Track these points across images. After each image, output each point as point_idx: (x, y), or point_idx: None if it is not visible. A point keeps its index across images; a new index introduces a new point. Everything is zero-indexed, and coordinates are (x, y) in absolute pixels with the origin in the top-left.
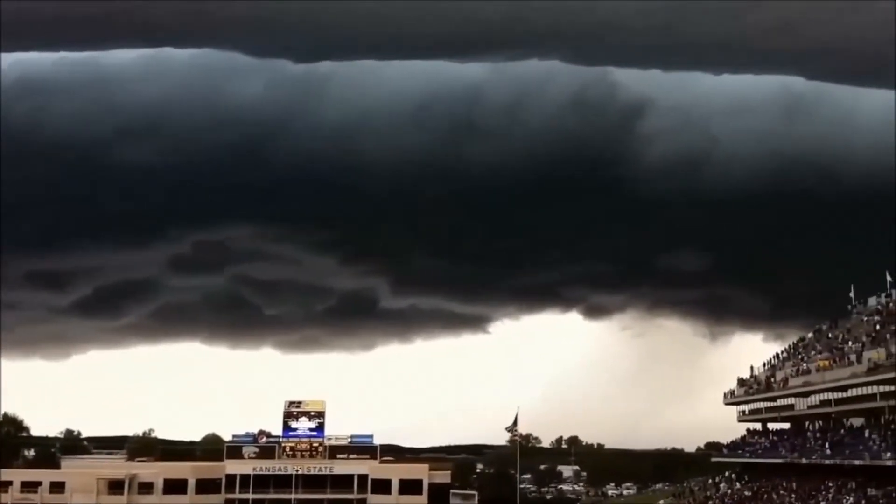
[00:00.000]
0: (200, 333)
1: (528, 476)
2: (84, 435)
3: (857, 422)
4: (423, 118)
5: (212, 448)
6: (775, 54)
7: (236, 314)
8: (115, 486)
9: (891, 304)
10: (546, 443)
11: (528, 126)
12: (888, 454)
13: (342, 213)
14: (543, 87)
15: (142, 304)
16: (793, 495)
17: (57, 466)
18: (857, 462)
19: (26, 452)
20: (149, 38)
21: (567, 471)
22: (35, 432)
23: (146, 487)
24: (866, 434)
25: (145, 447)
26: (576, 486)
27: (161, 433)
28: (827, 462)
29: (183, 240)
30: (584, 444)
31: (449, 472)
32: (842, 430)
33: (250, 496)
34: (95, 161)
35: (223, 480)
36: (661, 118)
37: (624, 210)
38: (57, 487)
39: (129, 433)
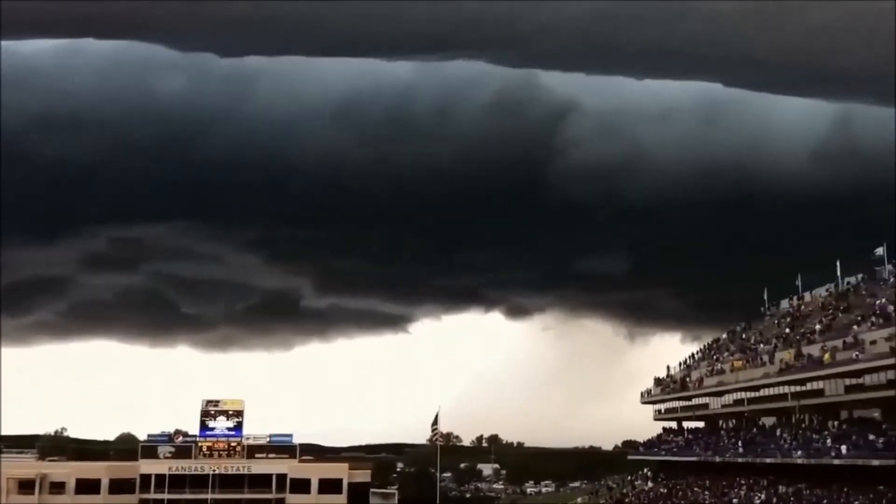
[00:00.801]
0: (116, 331)
1: (449, 475)
2: None
3: (769, 421)
4: (350, 117)
5: (126, 448)
6: (695, 61)
7: (154, 312)
8: (26, 486)
9: (802, 307)
10: (466, 441)
11: (454, 127)
12: (798, 452)
13: (265, 212)
14: (469, 89)
15: (54, 301)
16: (707, 492)
17: None
18: (768, 460)
19: None
20: (70, 28)
21: (487, 469)
22: None
23: (58, 487)
24: (777, 433)
25: (57, 446)
26: (495, 485)
27: (73, 432)
28: (740, 460)
29: (98, 236)
30: (504, 442)
31: (369, 471)
32: (754, 429)
33: (165, 496)
34: (7, 153)
35: (137, 480)
36: (585, 122)
37: (546, 213)
38: None
39: (41, 432)
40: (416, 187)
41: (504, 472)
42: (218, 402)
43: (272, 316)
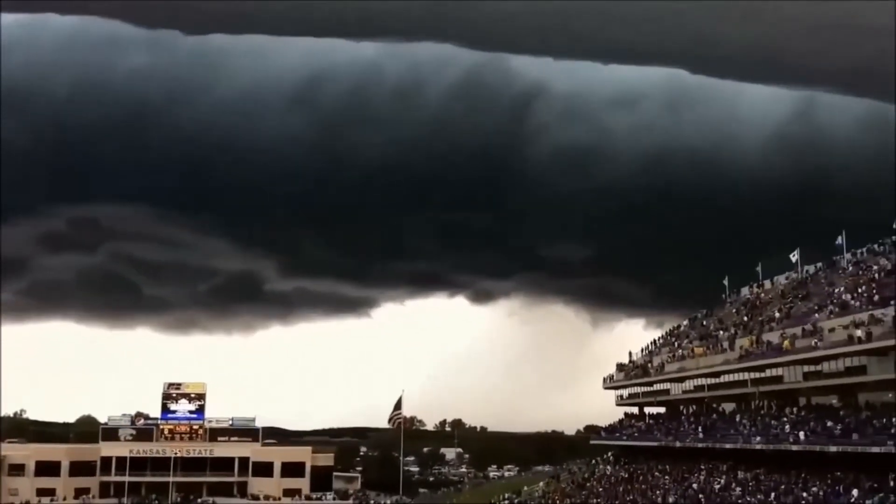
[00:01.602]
0: (75, 313)
1: (412, 459)
2: None
3: (729, 407)
4: (314, 97)
5: (86, 430)
6: (661, 47)
7: (114, 294)
8: None
9: (762, 295)
10: (430, 426)
11: (418, 110)
12: (757, 438)
13: (227, 195)
14: (436, 71)
15: (12, 281)
16: (667, 477)
17: None
18: (727, 445)
19: None
20: (32, 3)
21: (450, 453)
22: None
23: (17, 469)
24: (737, 419)
25: (16, 428)
26: (459, 469)
27: (33, 414)
28: (700, 445)
29: (55, 216)
30: (467, 426)
31: (332, 454)
32: (714, 415)
33: (126, 479)
34: None
35: (98, 463)
36: (551, 107)
37: (511, 198)
38: None
39: None
40: (380, 170)
41: (467, 456)
42: (180, 385)
43: (234, 299)
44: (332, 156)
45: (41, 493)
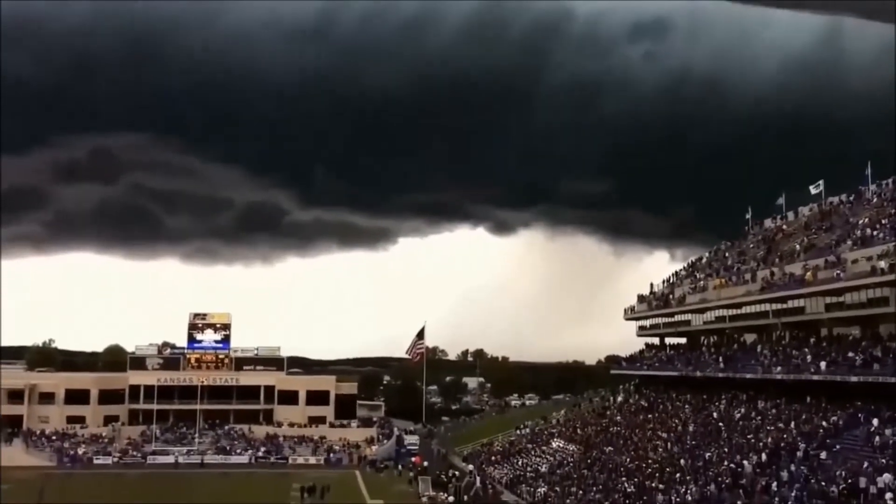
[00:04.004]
0: (97, 244)
1: (434, 388)
2: None
3: (750, 338)
4: (327, 27)
5: (114, 360)
6: None
7: (134, 225)
8: (15, 396)
9: (784, 226)
10: (452, 356)
11: (435, 39)
12: (778, 369)
13: (243, 125)
14: (452, 2)
15: (31, 213)
16: (687, 406)
17: None
18: (748, 376)
19: None
20: None
21: (472, 383)
22: None
23: (47, 397)
24: (758, 349)
25: (45, 358)
26: (480, 398)
27: (61, 344)
28: (720, 375)
29: (73, 147)
30: (489, 357)
31: (355, 383)
32: (735, 346)
33: (154, 406)
34: None
35: (126, 391)
36: (569, 37)
37: (529, 129)
38: None
39: (28, 343)
40: (395, 102)
41: (489, 385)
42: (205, 315)
43: (253, 230)
44: (347, 86)
45: (71, 420)
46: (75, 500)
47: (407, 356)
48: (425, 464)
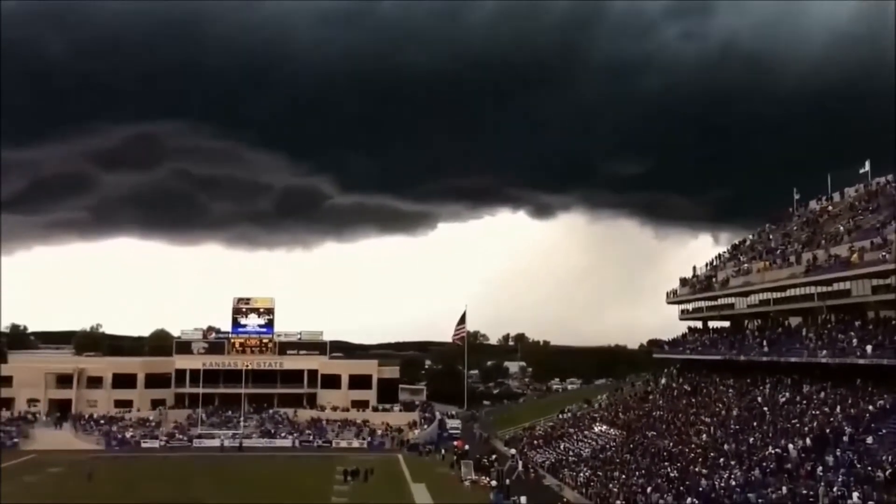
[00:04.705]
0: (137, 229)
1: (475, 372)
2: (31, 330)
3: (795, 321)
4: (367, 10)
5: (160, 344)
6: None
7: (174, 210)
8: (64, 381)
9: (830, 207)
10: (493, 340)
11: (473, 19)
12: (823, 352)
13: (283, 110)
14: None
15: (74, 200)
16: (731, 391)
17: (3, 361)
18: (793, 359)
19: None
20: None
21: (513, 366)
22: None
23: (95, 382)
24: (803, 333)
25: (93, 342)
26: (522, 382)
27: (108, 328)
28: (764, 359)
29: (114, 134)
30: (530, 340)
31: (397, 367)
32: (779, 329)
33: (200, 390)
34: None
35: (173, 375)
36: (607, 15)
37: (567, 111)
38: (4, 382)
39: (76, 328)
40: (434, 87)
41: (530, 369)
42: (249, 300)
43: (293, 215)
44: (386, 69)
45: (118, 404)
46: (124, 481)
47: (451, 341)
48: (467, 448)
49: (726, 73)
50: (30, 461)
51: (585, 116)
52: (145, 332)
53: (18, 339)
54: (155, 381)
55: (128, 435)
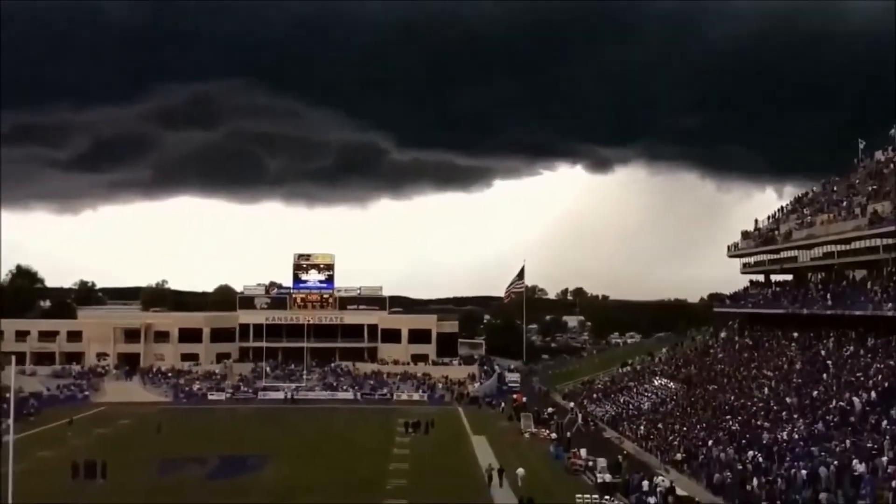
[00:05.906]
0: (197, 188)
1: (534, 326)
2: (98, 286)
3: (859, 274)
4: None
5: (223, 299)
6: None
7: (234, 168)
8: (132, 335)
9: None
10: (552, 294)
11: None
12: (889, 305)
13: (340, 66)
14: None
15: (136, 160)
16: (794, 345)
17: (73, 317)
18: (857, 312)
19: (42, 303)
20: None
21: (572, 321)
22: (49, 284)
23: (162, 336)
24: (868, 286)
25: (159, 298)
26: (580, 336)
27: (174, 284)
28: (828, 312)
29: (173, 94)
30: (589, 295)
31: (456, 322)
32: (843, 282)
33: (264, 344)
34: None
35: (237, 330)
36: None
37: (623, 65)
38: (74, 336)
39: (143, 284)
40: (492, 41)
41: (589, 324)
42: (309, 256)
43: (352, 172)
44: (444, 25)
45: (185, 358)
46: (193, 431)
47: (504, 298)
48: (525, 401)
49: (790, 22)
50: (100, 413)
51: (645, 68)
52: (209, 287)
53: (87, 295)
54: (220, 335)
55: (195, 388)
